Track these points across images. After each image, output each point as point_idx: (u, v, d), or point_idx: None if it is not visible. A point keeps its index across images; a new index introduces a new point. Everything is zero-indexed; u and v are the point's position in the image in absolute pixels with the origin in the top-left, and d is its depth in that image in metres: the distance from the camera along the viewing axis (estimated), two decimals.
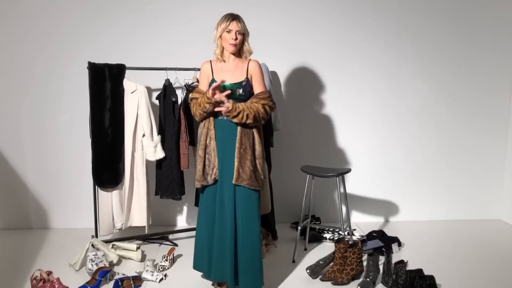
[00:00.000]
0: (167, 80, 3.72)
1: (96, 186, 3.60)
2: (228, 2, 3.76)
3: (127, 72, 3.59)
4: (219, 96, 2.77)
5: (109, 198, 3.63)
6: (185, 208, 4.37)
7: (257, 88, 2.93)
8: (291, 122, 4.35)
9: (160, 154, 3.59)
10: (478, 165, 4.57)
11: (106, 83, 3.51)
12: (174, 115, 3.66)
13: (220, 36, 2.89)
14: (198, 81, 3.80)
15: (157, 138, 3.58)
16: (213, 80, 2.90)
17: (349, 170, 3.52)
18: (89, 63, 3.50)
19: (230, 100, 2.79)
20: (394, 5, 4.32)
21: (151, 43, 4.14)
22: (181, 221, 4.40)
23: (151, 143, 3.55)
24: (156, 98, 3.80)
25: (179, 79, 3.79)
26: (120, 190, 3.65)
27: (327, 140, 4.43)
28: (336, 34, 4.32)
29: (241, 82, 2.88)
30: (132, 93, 3.53)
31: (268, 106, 2.89)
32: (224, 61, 2.94)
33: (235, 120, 2.80)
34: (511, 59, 4.46)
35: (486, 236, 4.17)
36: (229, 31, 2.85)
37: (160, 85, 3.78)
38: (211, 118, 2.90)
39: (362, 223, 4.45)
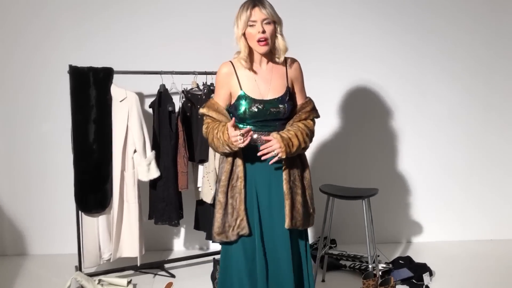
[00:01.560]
0: (162, 86, 3.20)
1: (80, 211, 3.06)
2: None
3: (116, 77, 3.05)
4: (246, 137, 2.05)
5: (95, 224, 3.11)
6: (182, 230, 3.85)
7: (300, 96, 2.28)
8: None
9: (154, 173, 3.06)
10: (510, 180, 4.10)
11: (90, 90, 2.98)
12: (171, 127, 3.13)
13: (244, 33, 2.15)
14: (198, 87, 3.30)
15: (150, 154, 3.06)
16: (243, 96, 2.16)
17: (376, 191, 3.01)
18: (70, 66, 2.97)
19: (278, 138, 2.09)
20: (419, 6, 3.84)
21: (143, 42, 3.60)
22: (178, 245, 3.87)
23: (143, 161, 3.02)
24: (150, 107, 3.27)
25: (176, 85, 3.26)
26: (108, 215, 3.12)
27: (345, 154, 3.93)
28: (353, 36, 3.83)
29: (283, 96, 2.19)
30: (121, 101, 3.00)
31: (315, 117, 2.30)
32: (255, 72, 2.21)
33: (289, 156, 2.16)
34: None
35: None
36: (252, 25, 2.11)
37: (154, 91, 3.25)
38: (239, 150, 2.16)
39: (381, 245, 3.95)
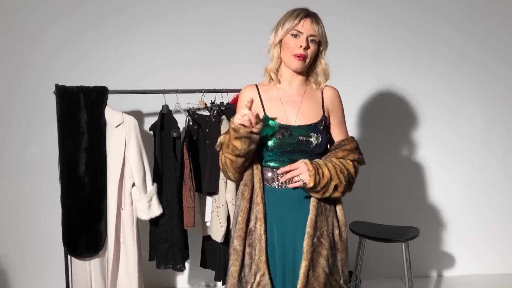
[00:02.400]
0: (165, 107, 2.75)
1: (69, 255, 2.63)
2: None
3: (111, 97, 2.60)
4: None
5: (87, 269, 2.66)
6: (187, 265, 3.39)
7: (338, 132, 1.89)
8: None
9: (156, 210, 2.61)
10: None
11: (80, 113, 2.53)
12: (175, 155, 2.69)
13: (281, 41, 1.82)
14: (206, 107, 2.86)
15: (152, 188, 2.61)
16: (266, 119, 1.82)
17: (417, 233, 2.58)
18: (57, 86, 2.52)
19: (306, 161, 1.72)
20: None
21: (142, 57, 3.14)
22: (182, 282, 3.43)
23: (144, 196, 2.57)
24: (150, 130, 2.83)
25: (181, 105, 2.82)
26: (102, 258, 2.67)
27: (370, 185, 3.47)
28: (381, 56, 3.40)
29: (316, 124, 1.82)
30: (117, 127, 2.55)
31: (357, 163, 1.85)
32: (282, 93, 1.88)
33: (316, 196, 1.76)
34: None
35: None
36: (296, 35, 1.78)
37: (155, 113, 2.82)
38: (258, 185, 1.81)
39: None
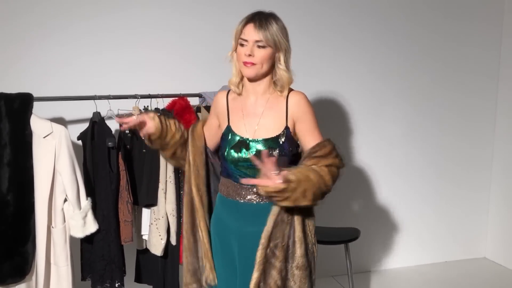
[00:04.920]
0: (97, 114, 2.56)
1: None
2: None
3: (37, 105, 2.35)
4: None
5: None
6: None
7: (310, 139, 1.74)
8: None
9: (92, 227, 2.41)
10: (461, 201, 3.99)
11: (1, 123, 2.26)
12: (111, 166, 2.51)
13: (236, 50, 1.75)
14: (140, 113, 2.69)
15: (86, 203, 2.41)
16: (228, 130, 1.78)
17: (357, 234, 2.66)
18: None
19: (281, 186, 1.55)
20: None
21: (70, 61, 2.88)
22: None
23: (78, 212, 2.37)
24: (78, 139, 2.61)
25: (114, 112, 2.64)
26: (29, 282, 2.41)
27: None
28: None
29: (276, 137, 1.73)
30: (45, 137, 2.31)
31: (335, 167, 1.70)
32: (245, 103, 1.81)
33: (282, 204, 1.63)
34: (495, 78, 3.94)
35: (469, 277, 3.74)
36: (243, 44, 1.71)
37: (82, 120, 2.65)
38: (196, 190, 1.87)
39: (340, 277, 3.65)
